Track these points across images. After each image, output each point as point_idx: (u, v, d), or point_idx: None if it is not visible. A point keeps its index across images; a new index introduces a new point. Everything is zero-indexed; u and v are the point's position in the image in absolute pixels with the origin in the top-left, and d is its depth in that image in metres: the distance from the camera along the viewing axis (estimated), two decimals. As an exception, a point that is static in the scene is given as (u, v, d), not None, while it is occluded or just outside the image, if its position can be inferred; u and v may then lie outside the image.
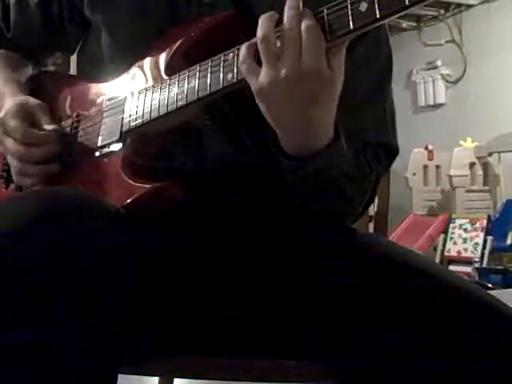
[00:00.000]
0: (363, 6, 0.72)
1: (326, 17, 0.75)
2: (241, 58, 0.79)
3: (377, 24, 0.73)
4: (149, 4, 0.98)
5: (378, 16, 0.71)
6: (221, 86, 0.83)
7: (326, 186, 0.88)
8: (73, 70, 1.19)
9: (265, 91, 0.77)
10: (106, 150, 0.95)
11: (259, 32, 0.77)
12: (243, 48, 0.79)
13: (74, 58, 1.15)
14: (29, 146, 0.97)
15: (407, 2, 0.69)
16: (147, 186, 0.86)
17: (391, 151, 0.99)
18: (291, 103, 0.78)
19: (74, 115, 1.02)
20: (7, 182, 1.04)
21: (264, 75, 0.77)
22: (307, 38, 0.75)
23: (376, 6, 0.71)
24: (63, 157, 0.98)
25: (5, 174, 1.04)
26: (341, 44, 0.76)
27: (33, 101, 1.01)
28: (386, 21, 0.73)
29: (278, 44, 0.76)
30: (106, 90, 1.01)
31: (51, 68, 1.25)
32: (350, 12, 0.73)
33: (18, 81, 1.09)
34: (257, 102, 0.79)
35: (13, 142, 0.97)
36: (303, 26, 0.75)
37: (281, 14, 0.77)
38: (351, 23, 0.73)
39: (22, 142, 0.97)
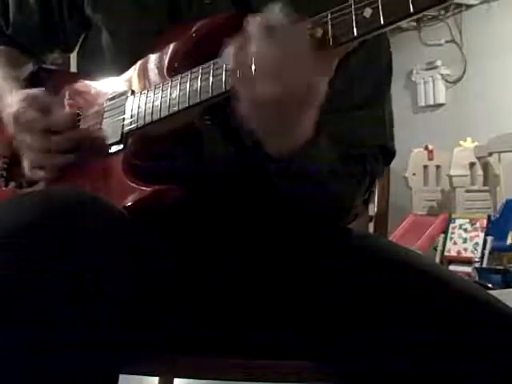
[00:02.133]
0: (367, 12, 0.72)
1: (329, 22, 0.74)
2: (232, 67, 0.78)
3: (380, 31, 0.72)
4: (149, 4, 0.98)
5: (382, 23, 0.71)
6: (223, 89, 0.82)
7: (312, 184, 0.88)
8: (73, 70, 1.18)
9: (257, 100, 0.76)
10: (106, 150, 0.94)
11: (253, 46, 0.75)
12: (233, 58, 0.77)
13: (74, 59, 1.15)
14: (49, 134, 0.96)
15: (412, 10, 0.69)
16: (148, 188, 0.86)
17: (388, 154, 0.99)
18: (278, 110, 0.77)
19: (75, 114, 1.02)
20: (6, 180, 1.04)
21: (258, 86, 0.75)
22: (295, 51, 0.74)
23: (380, 13, 0.71)
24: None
25: (4, 172, 1.04)
26: (333, 55, 0.76)
27: (40, 91, 1.01)
28: (389, 28, 0.72)
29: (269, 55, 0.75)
30: (106, 90, 1.00)
31: (50, 66, 1.25)
32: (354, 18, 0.72)
33: (18, 78, 1.09)
34: (243, 110, 0.78)
35: (32, 134, 0.97)
36: (291, 39, 0.75)
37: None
38: (355, 30, 0.73)
39: (43, 131, 0.96)
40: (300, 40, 0.74)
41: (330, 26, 0.74)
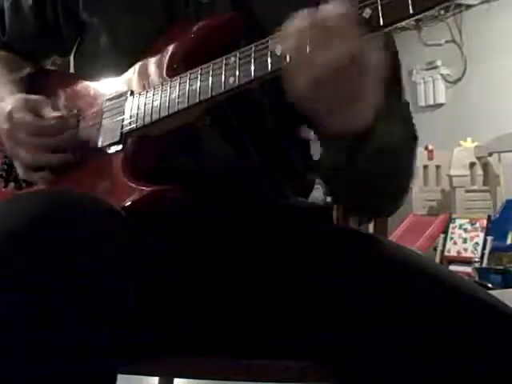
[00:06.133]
0: (367, 13, 0.72)
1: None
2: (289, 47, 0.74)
3: (380, 32, 0.72)
4: (147, 4, 0.98)
5: (381, 23, 0.71)
6: (222, 89, 0.82)
7: (387, 159, 0.87)
8: (72, 71, 1.18)
9: (316, 74, 0.72)
10: (106, 150, 0.95)
11: (319, 15, 0.73)
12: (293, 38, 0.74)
13: (73, 59, 1.15)
14: (41, 136, 0.97)
15: (411, 11, 0.69)
16: (147, 189, 0.87)
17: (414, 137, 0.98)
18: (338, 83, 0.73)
19: (74, 114, 1.02)
20: (6, 181, 1.04)
21: (316, 60, 0.72)
22: (344, 26, 0.72)
23: (380, 14, 0.70)
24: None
25: (4, 173, 1.04)
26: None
27: (34, 95, 1.02)
28: (389, 28, 0.72)
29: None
30: (105, 90, 1.00)
31: (49, 67, 1.25)
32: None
33: (16, 81, 1.09)
34: (302, 92, 0.74)
35: (25, 134, 0.97)
36: (338, 15, 0.72)
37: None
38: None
39: (34, 132, 0.97)
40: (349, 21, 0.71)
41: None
